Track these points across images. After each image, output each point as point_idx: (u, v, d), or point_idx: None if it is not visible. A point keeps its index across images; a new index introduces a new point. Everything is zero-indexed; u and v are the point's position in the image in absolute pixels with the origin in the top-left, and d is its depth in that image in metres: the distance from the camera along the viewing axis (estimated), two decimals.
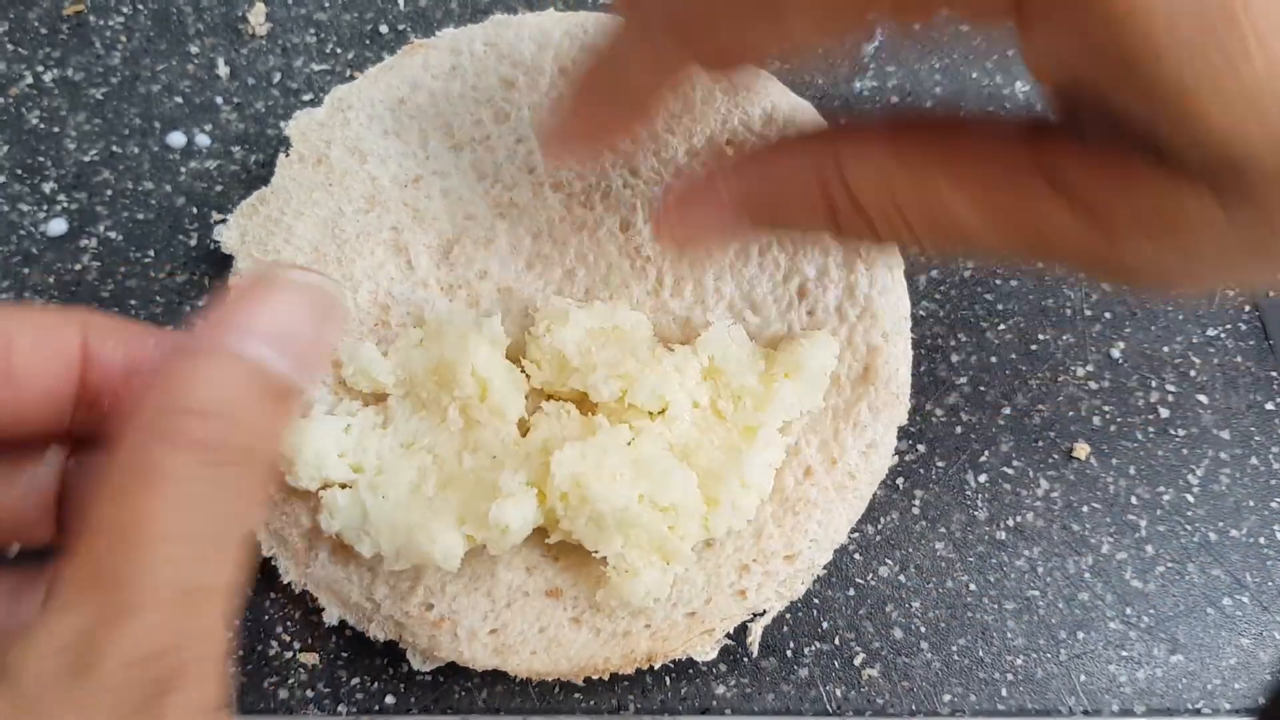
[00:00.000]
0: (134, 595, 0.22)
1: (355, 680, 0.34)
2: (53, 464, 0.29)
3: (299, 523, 0.33)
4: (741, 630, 0.33)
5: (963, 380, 0.38)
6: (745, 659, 0.35)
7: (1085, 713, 0.34)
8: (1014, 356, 0.39)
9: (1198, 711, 0.34)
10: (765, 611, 0.33)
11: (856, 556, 0.36)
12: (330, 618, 0.33)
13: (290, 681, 0.34)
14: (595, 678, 0.33)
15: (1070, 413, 0.38)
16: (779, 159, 0.28)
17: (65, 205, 0.38)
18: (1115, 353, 0.39)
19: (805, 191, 0.27)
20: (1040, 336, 0.39)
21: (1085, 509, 0.36)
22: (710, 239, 0.30)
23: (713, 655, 0.33)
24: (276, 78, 0.39)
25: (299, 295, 0.27)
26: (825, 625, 0.35)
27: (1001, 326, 0.39)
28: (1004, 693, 0.35)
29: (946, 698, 0.34)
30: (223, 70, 0.39)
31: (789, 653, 0.35)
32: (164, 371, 0.25)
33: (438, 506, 0.31)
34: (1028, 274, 0.40)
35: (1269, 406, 0.38)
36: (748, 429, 0.32)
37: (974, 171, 0.24)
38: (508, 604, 0.32)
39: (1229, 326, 0.39)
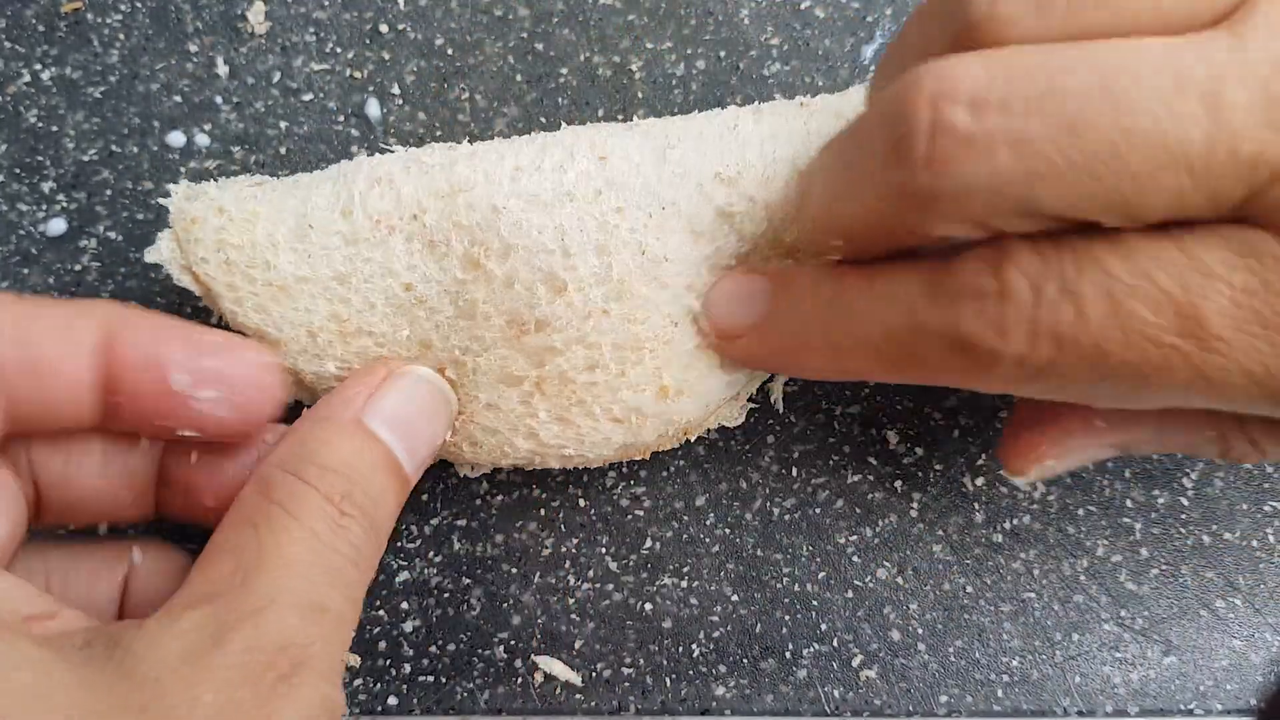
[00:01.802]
0: (263, 601, 0.24)
1: (358, 681, 0.35)
2: (149, 452, 0.31)
3: None
4: (763, 392, 0.35)
5: None
6: (745, 660, 0.35)
7: (1080, 713, 0.35)
8: None
9: (1190, 712, 0.35)
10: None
11: (855, 559, 0.36)
12: None
13: None
14: (595, 675, 0.33)
15: None
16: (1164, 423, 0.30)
17: (64, 205, 0.38)
18: None
19: (1199, 432, 0.29)
20: None
21: (1081, 512, 0.37)
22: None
23: (740, 419, 0.34)
24: (276, 77, 0.39)
25: (420, 389, 0.31)
26: (824, 627, 0.36)
27: None
28: (1000, 694, 0.35)
29: (943, 699, 0.35)
30: (222, 69, 0.39)
31: (787, 654, 0.35)
32: (298, 431, 0.29)
33: None
34: None
35: None
36: None
37: None
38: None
39: None
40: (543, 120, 0.39)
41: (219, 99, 0.39)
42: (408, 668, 0.35)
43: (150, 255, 0.32)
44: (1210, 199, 0.22)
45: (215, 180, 0.35)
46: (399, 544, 0.36)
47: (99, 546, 0.31)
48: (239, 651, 0.23)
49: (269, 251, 0.32)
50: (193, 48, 0.39)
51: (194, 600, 0.24)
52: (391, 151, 0.34)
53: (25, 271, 0.37)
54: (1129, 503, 0.37)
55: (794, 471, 0.37)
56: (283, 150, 0.39)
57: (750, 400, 0.35)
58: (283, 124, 0.39)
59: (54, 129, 0.38)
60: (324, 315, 0.32)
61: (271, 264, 0.32)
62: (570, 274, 0.31)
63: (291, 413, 0.38)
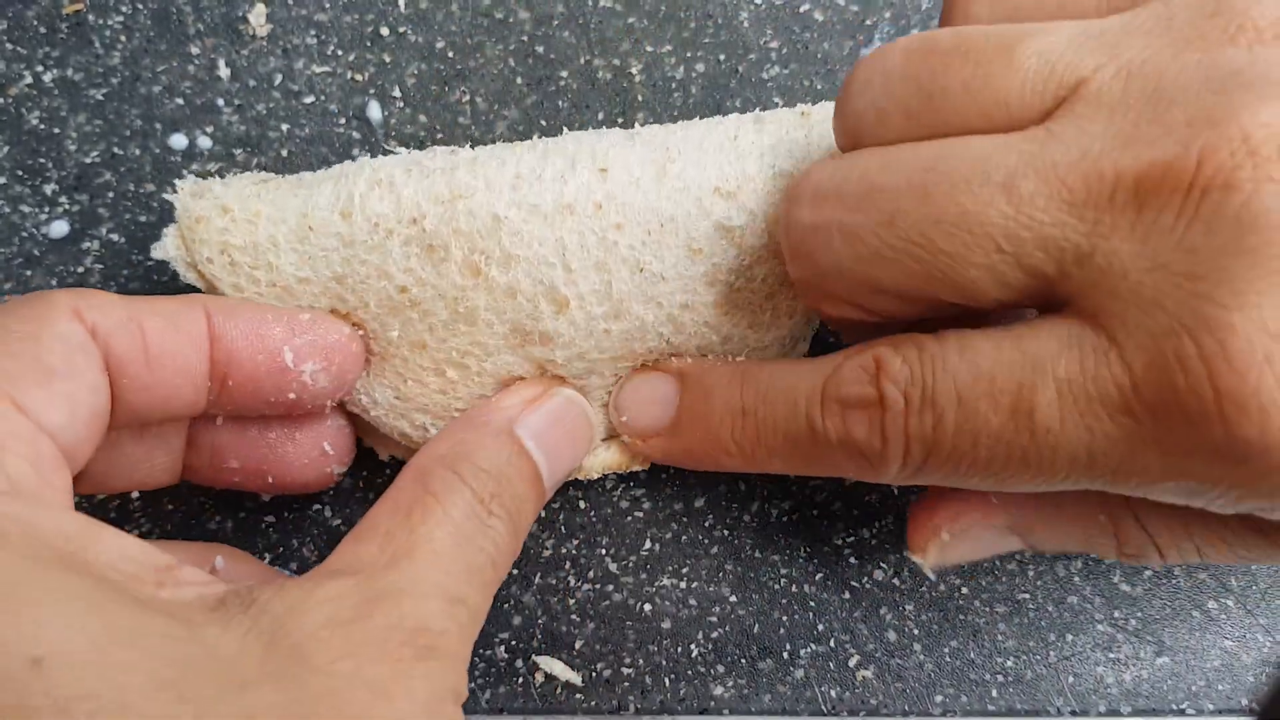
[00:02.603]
0: (408, 583, 0.25)
1: None
2: (180, 425, 0.32)
3: None
4: None
5: None
6: (743, 660, 0.36)
7: (1073, 713, 0.35)
8: None
9: (1182, 712, 0.35)
10: None
11: (852, 560, 0.37)
12: None
13: None
14: (595, 675, 0.33)
15: None
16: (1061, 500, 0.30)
17: (67, 207, 0.38)
18: None
19: (1092, 523, 0.30)
20: None
21: None
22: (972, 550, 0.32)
23: None
24: (278, 79, 0.39)
25: (569, 411, 0.33)
26: (821, 627, 0.36)
27: None
28: (994, 694, 0.36)
29: (938, 698, 0.35)
30: (223, 71, 0.39)
31: (785, 654, 0.36)
32: (455, 431, 0.30)
33: None
34: None
35: None
36: None
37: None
38: None
39: None
40: (543, 123, 0.40)
41: (221, 101, 0.39)
42: None
43: (156, 251, 0.33)
44: (1031, 275, 0.24)
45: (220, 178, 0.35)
46: None
47: (181, 548, 0.31)
48: (381, 627, 0.23)
49: (271, 253, 0.32)
50: (194, 50, 0.39)
51: (338, 572, 0.24)
52: (394, 154, 0.34)
53: (28, 273, 0.37)
54: None
55: None
56: (284, 152, 0.39)
57: None
58: (284, 126, 0.39)
59: (56, 131, 0.39)
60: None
61: (274, 265, 0.32)
62: (571, 290, 0.31)
63: None
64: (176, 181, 0.33)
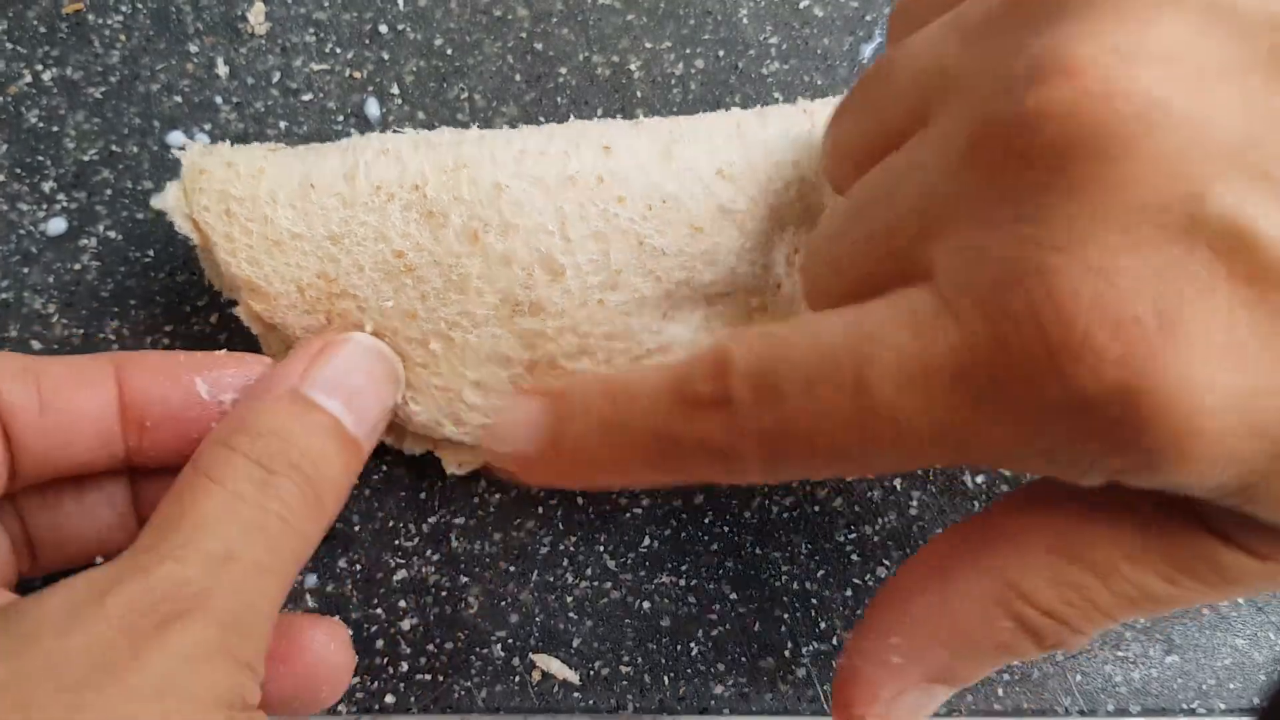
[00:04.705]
0: (163, 553, 0.24)
1: (355, 679, 0.35)
2: (121, 482, 0.32)
3: None
4: None
5: None
6: (743, 658, 0.35)
7: (1081, 712, 0.35)
8: None
9: (1192, 711, 0.35)
10: None
11: (854, 558, 0.36)
12: None
13: None
14: (593, 673, 0.33)
15: None
16: (948, 605, 0.27)
17: (65, 204, 0.38)
18: None
19: (992, 628, 0.26)
20: None
21: None
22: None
23: None
24: (276, 77, 0.39)
25: (359, 353, 0.32)
26: (823, 625, 0.35)
27: None
28: (1000, 692, 0.35)
29: None
30: (222, 70, 0.39)
31: (786, 653, 0.35)
32: (235, 409, 0.29)
33: None
34: None
35: None
36: None
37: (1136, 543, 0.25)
38: None
39: None
40: (541, 120, 0.39)
41: (219, 99, 0.39)
42: (405, 666, 0.35)
43: (156, 201, 0.33)
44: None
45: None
46: (396, 542, 0.36)
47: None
48: (123, 602, 0.23)
49: (268, 206, 0.32)
50: (193, 48, 0.39)
51: (103, 566, 0.24)
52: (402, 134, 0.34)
53: (25, 271, 0.37)
54: None
55: None
56: None
57: None
58: (283, 124, 0.39)
59: (54, 129, 0.39)
60: (313, 273, 0.32)
61: (269, 218, 0.32)
62: (568, 258, 0.31)
63: None
64: (186, 141, 0.33)
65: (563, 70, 0.40)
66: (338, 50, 0.40)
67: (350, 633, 0.32)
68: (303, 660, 0.29)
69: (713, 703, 0.35)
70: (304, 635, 0.30)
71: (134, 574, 0.23)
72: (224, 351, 0.31)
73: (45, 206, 0.38)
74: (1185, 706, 0.35)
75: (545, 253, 0.31)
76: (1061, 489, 0.25)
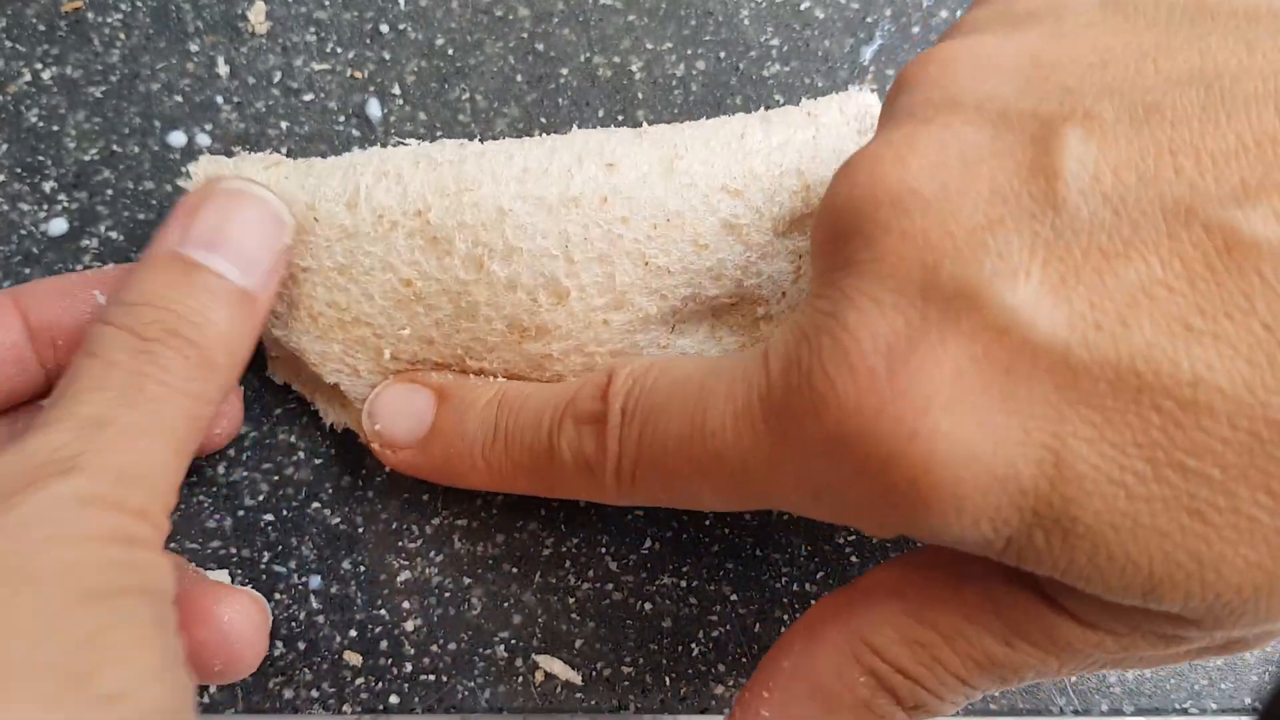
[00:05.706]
0: (38, 425, 0.24)
1: (360, 680, 0.35)
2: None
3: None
4: None
5: None
6: (744, 659, 0.35)
7: (1076, 712, 0.35)
8: None
9: (1185, 711, 0.35)
10: None
11: (853, 559, 0.36)
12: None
13: (295, 682, 0.35)
14: (595, 674, 0.33)
15: None
16: (812, 661, 0.28)
17: (66, 205, 0.38)
18: None
19: (850, 683, 0.27)
20: None
21: None
22: None
23: None
24: (277, 77, 0.39)
25: (233, 200, 0.31)
26: None
27: None
28: (996, 693, 0.35)
29: None
30: (223, 69, 0.39)
31: None
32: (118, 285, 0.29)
33: None
34: None
35: None
36: None
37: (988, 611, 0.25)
38: None
39: None
40: (543, 120, 0.39)
41: (220, 99, 0.39)
42: (409, 666, 0.35)
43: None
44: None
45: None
46: (400, 544, 0.36)
47: None
48: None
49: None
50: (193, 47, 0.39)
51: None
52: (403, 144, 0.34)
53: (27, 271, 0.37)
54: None
55: None
56: (284, 150, 0.39)
57: None
58: (283, 124, 0.39)
59: (55, 129, 0.38)
60: (323, 302, 0.32)
61: None
62: (573, 281, 0.31)
63: (294, 407, 0.38)
64: (191, 166, 0.33)
65: (564, 71, 0.40)
66: (339, 50, 0.39)
67: (269, 607, 0.34)
68: (208, 628, 0.29)
69: (713, 703, 0.35)
70: (214, 605, 0.30)
71: (10, 449, 0.24)
72: (113, 265, 0.32)
73: (46, 207, 0.38)
74: (1178, 706, 0.35)
75: (550, 276, 0.31)
76: (926, 554, 0.27)
